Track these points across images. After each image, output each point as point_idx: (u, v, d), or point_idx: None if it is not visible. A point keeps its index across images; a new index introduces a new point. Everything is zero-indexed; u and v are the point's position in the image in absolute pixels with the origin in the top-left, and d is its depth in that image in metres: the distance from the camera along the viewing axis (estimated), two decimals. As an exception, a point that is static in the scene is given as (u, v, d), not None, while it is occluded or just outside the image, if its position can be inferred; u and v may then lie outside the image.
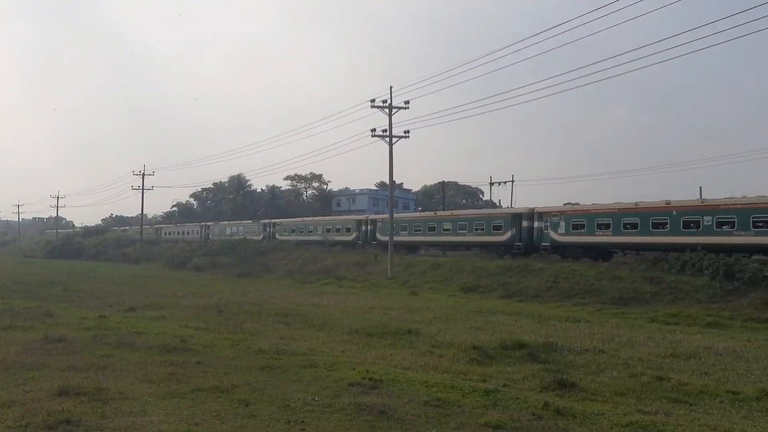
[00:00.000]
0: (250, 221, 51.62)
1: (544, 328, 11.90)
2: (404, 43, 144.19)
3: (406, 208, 64.39)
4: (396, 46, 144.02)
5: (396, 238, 32.97)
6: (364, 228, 37.40)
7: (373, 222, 37.38)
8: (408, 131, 28.06)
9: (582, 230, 23.89)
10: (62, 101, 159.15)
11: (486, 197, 62.97)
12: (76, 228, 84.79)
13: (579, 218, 24.33)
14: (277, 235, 45.61)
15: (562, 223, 24.52)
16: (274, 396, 5.62)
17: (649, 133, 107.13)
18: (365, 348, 9.15)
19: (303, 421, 4.76)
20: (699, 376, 7.46)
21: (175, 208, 77.35)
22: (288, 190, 73.80)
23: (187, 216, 70.45)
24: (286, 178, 71.86)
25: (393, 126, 27.30)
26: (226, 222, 54.22)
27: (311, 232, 42.46)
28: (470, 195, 72.63)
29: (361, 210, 61.07)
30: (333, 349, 8.91)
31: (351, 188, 71.77)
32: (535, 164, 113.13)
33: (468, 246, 31.52)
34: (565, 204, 30.25)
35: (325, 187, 73.34)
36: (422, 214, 37.22)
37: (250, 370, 6.98)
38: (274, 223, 47.83)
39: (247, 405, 5.27)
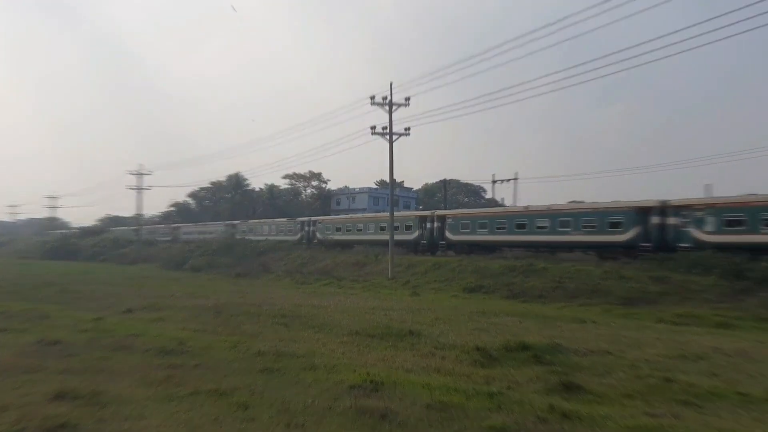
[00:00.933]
0: (285, 219, 48.18)
1: (549, 329, 11.88)
2: (405, 40, 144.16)
3: (407, 207, 64.43)
4: (397, 43, 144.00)
5: (469, 238, 30.42)
6: (429, 225, 33.40)
7: (441, 219, 32.93)
8: (408, 128, 28.03)
9: (740, 227, 19.93)
10: (57, 100, 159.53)
11: (488, 195, 62.99)
12: (72, 228, 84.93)
13: (735, 212, 20.33)
14: (318, 235, 41.65)
15: (711, 219, 20.73)
16: (274, 399, 5.62)
17: (654, 129, 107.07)
18: (366, 350, 9.14)
19: (303, 425, 4.77)
20: (708, 377, 7.45)
21: (173, 208, 77.45)
22: (286, 189, 73.92)
23: (186, 216, 70.51)
24: (285, 177, 72.06)
25: (393, 123, 27.30)
26: (256, 220, 51.50)
27: (360, 230, 38.27)
28: (472, 193, 72.72)
29: (361, 209, 61.08)
30: (333, 351, 8.91)
31: (351, 187, 71.87)
32: (538, 162, 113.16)
33: (571, 247, 26.32)
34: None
35: (324, 185, 73.48)
36: (507, 208, 32.01)
37: (249, 372, 6.98)
38: (314, 222, 43.56)
39: (246, 408, 5.28)
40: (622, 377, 7.31)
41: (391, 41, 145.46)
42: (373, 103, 27.05)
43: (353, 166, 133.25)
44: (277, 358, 7.88)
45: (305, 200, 72.42)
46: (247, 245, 39.61)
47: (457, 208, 47.20)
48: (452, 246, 31.38)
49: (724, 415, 5.63)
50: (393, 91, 27.00)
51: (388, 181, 30.16)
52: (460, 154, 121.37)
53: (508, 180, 47.06)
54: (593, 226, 24.64)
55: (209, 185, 73.30)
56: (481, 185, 66.93)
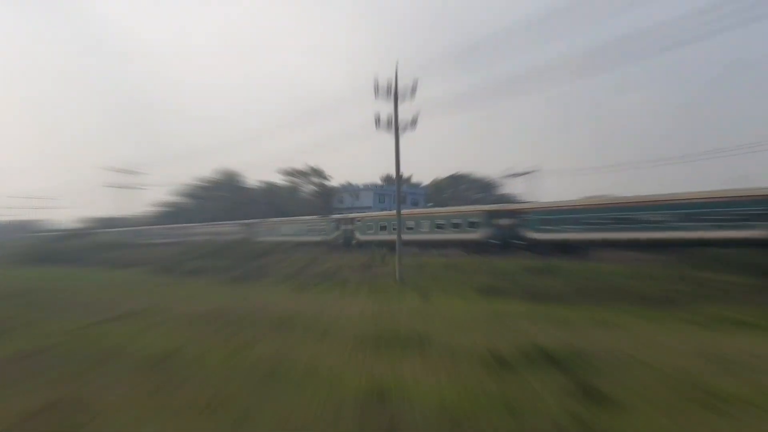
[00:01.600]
0: (317, 217, 45.95)
1: (569, 332, 11.84)
2: (411, 28, 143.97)
3: (415, 204, 64.48)
4: (402, 29, 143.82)
5: (556, 236, 27.68)
6: (503, 222, 30.62)
7: (515, 213, 30.03)
8: (417, 117, 27.63)
9: None
10: (42, 97, 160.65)
11: (501, 192, 62.86)
12: (56, 231, 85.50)
13: None
14: (357, 234, 39.28)
15: None
16: (273, 410, 5.64)
17: (682, 118, 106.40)
18: (372, 356, 9.15)
19: (305, 438, 4.78)
20: (741, 383, 7.40)
21: (169, 208, 77.81)
22: (285, 187, 74.15)
23: (181, 216, 70.83)
24: (283, 173, 72.32)
25: (399, 112, 27.11)
26: (278, 219, 49.97)
27: (411, 229, 35.51)
28: (484, 189, 72.71)
29: (366, 207, 61.13)
30: (337, 358, 8.93)
31: (353, 183, 72.00)
32: (547, 157, 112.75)
33: (695, 245, 22.08)
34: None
35: (326, 182, 73.63)
36: (600, 200, 27.34)
37: (247, 382, 7.01)
38: (352, 219, 40.64)
39: (244, 420, 5.29)
40: (647, 383, 7.29)
41: (395, 29, 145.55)
42: (376, 95, 26.81)
43: (356, 162, 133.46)
44: (277, 367, 7.91)
45: (306, 197, 72.59)
46: (245, 247, 39.73)
47: (468, 204, 46.83)
48: (534, 246, 28.31)
49: (758, 423, 5.59)
50: (397, 83, 26.79)
51: (393, 176, 30.01)
52: (469, 149, 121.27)
53: (524, 174, 46.97)
54: (729, 219, 21.78)
55: (205, 183, 73.73)
56: (494, 180, 66.91)
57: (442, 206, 47.97)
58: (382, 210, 52.19)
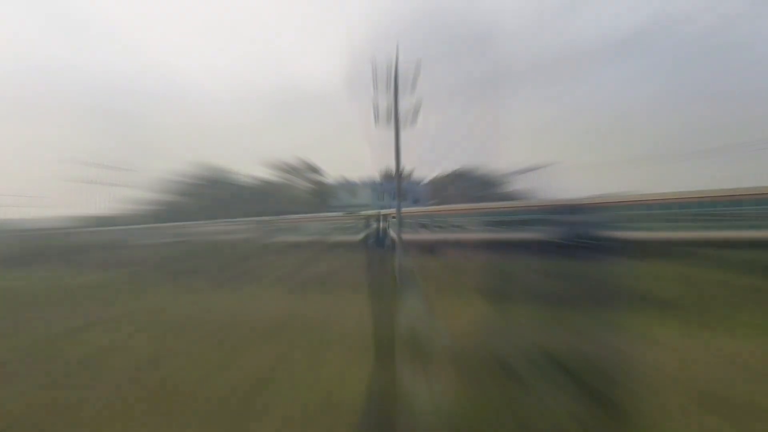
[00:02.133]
0: (342, 214, 43.25)
1: (581, 339, 11.82)
2: (415, 16, 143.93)
3: (416, 202, 64.51)
4: (405, 18, 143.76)
5: (638, 235, 23.77)
6: (575, 218, 25.84)
7: (589, 209, 24.91)
8: (419, 105, 27.35)
9: None
10: (23, 94, 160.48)
11: (509, 188, 62.94)
12: (28, 231, 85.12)
13: None
14: (392, 234, 34.93)
15: None
16: (266, 422, 5.61)
17: (710, 110, 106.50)
18: (371, 365, 9.14)
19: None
20: (756, 390, 7.39)
21: (160, 206, 77.80)
22: (279, 183, 74.24)
23: (173, 214, 70.75)
24: (276, 169, 72.41)
25: (401, 104, 27.00)
26: (298, 215, 47.71)
27: (460, 227, 32.33)
28: (490, 185, 72.79)
29: (364, 205, 61.10)
30: (334, 367, 8.92)
31: (348, 179, 72.07)
32: (569, 151, 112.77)
33: None
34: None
35: (321, 178, 73.74)
36: (704, 192, 23.25)
37: (237, 393, 6.98)
38: (386, 216, 36.96)
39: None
40: (665, 394, 7.26)
41: (398, 16, 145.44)
42: (375, 83, 26.64)
43: (352, 157, 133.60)
44: (269, 377, 7.88)
45: (300, 195, 72.64)
46: (234, 248, 39.69)
47: (472, 203, 46.45)
48: (614, 248, 24.81)
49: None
50: (398, 67, 26.69)
51: (392, 172, 29.86)
52: (475, 145, 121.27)
53: (538, 169, 46.93)
54: None
55: (195, 180, 73.81)
56: (501, 176, 66.93)
57: (444, 204, 47.70)
58: (382, 208, 52.10)
